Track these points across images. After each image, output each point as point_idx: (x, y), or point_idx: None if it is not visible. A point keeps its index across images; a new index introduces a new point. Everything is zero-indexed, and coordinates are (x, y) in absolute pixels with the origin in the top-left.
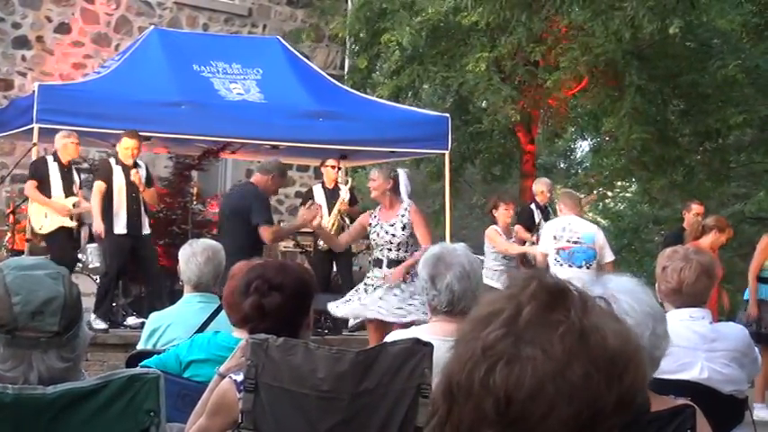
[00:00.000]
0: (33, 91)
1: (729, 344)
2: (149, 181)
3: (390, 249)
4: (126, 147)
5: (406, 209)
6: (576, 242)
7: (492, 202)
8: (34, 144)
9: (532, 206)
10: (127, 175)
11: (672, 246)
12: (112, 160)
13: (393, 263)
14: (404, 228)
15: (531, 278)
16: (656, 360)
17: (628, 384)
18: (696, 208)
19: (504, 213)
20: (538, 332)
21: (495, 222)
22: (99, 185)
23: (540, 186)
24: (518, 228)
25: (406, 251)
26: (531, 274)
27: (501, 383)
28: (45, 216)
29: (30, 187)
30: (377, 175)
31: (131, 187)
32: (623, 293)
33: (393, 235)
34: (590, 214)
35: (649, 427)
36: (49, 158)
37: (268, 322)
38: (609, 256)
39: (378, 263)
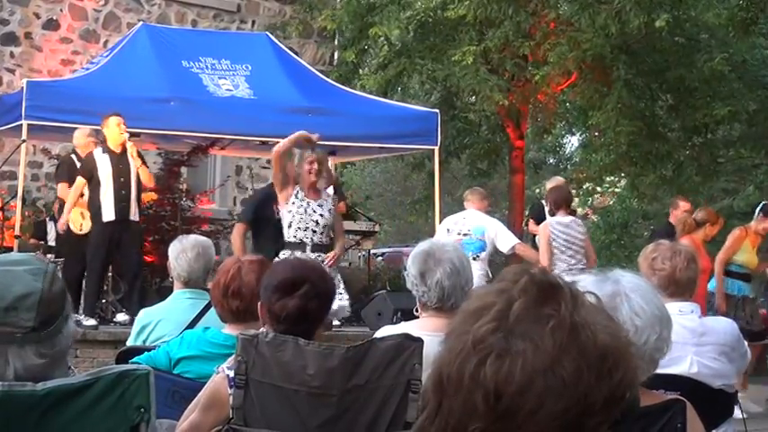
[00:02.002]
0: (22, 87)
1: (718, 338)
2: (142, 161)
3: (315, 232)
4: (117, 123)
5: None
6: (465, 234)
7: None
8: (23, 141)
9: (543, 201)
10: (114, 162)
11: (661, 238)
12: (98, 151)
13: (317, 247)
14: (330, 212)
15: (522, 272)
16: (656, 362)
17: (617, 380)
18: (683, 205)
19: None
20: (528, 326)
21: (537, 223)
22: (78, 181)
23: (552, 184)
24: (530, 222)
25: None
26: (523, 269)
27: (491, 377)
28: (82, 216)
29: (63, 189)
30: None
31: (120, 172)
32: (635, 293)
33: (321, 215)
34: (579, 210)
35: (639, 422)
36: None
37: (305, 326)
38: (509, 242)
39: (299, 246)
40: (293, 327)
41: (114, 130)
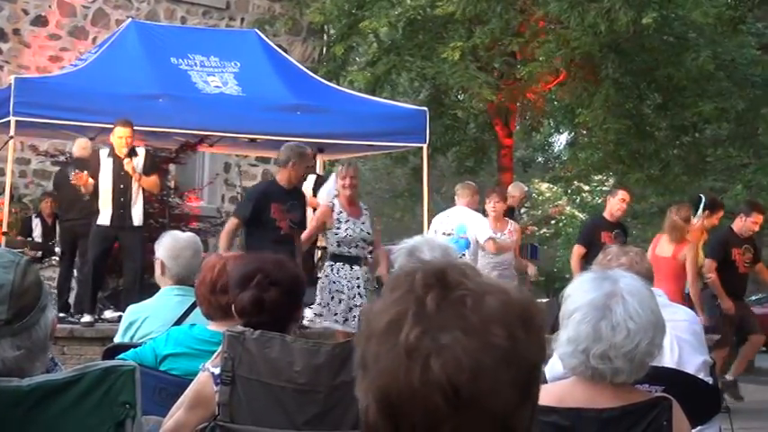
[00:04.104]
0: (10, 84)
1: (686, 316)
2: (152, 168)
3: (364, 248)
4: (119, 136)
5: (366, 209)
6: (449, 234)
7: (487, 194)
8: (11, 137)
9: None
10: (116, 167)
11: (590, 231)
12: (104, 152)
13: (363, 261)
14: (371, 227)
15: (413, 272)
16: (646, 366)
17: (539, 328)
18: (622, 193)
19: (488, 207)
20: (449, 314)
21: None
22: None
23: (512, 190)
24: None
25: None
26: (410, 269)
27: (441, 374)
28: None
29: None
30: (355, 172)
31: (120, 179)
32: (632, 296)
33: (368, 233)
34: (568, 209)
35: (624, 419)
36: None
37: (264, 316)
38: (482, 236)
39: (354, 260)
40: (254, 319)
41: (117, 142)
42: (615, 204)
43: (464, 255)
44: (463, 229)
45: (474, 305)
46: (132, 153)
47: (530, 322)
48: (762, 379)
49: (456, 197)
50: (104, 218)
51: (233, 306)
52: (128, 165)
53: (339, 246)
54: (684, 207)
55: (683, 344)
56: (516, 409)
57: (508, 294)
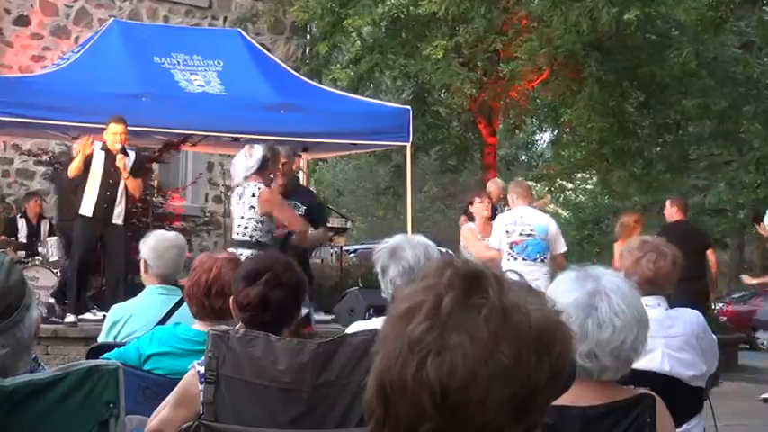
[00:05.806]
0: None
1: (685, 328)
2: (139, 171)
3: None
4: (113, 132)
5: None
6: (529, 235)
7: (469, 198)
8: None
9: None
10: (107, 163)
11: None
12: (97, 145)
13: None
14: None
15: (446, 266)
16: (631, 362)
17: (556, 355)
18: (679, 202)
19: (479, 207)
20: (461, 319)
21: (471, 219)
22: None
23: (491, 186)
24: (463, 218)
25: None
26: (445, 262)
27: (434, 376)
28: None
29: None
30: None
31: (109, 174)
32: (615, 293)
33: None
34: (551, 206)
35: (609, 417)
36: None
37: (267, 315)
38: (561, 248)
39: None
40: (257, 315)
41: (110, 138)
42: (674, 214)
43: (545, 258)
44: (545, 230)
45: (488, 316)
46: (124, 152)
47: (546, 348)
48: (745, 376)
49: (514, 197)
50: (87, 208)
51: (233, 299)
52: (120, 161)
53: None
54: (635, 213)
55: (673, 363)
56: (505, 427)
57: (528, 316)
